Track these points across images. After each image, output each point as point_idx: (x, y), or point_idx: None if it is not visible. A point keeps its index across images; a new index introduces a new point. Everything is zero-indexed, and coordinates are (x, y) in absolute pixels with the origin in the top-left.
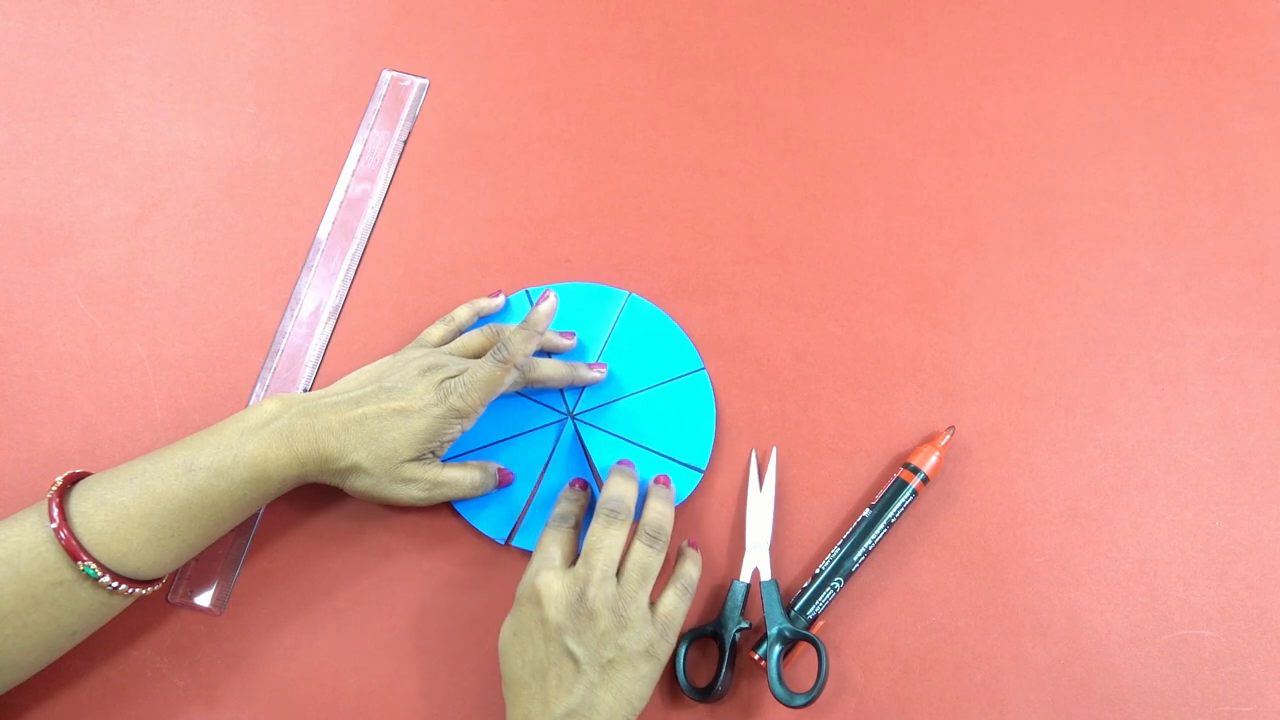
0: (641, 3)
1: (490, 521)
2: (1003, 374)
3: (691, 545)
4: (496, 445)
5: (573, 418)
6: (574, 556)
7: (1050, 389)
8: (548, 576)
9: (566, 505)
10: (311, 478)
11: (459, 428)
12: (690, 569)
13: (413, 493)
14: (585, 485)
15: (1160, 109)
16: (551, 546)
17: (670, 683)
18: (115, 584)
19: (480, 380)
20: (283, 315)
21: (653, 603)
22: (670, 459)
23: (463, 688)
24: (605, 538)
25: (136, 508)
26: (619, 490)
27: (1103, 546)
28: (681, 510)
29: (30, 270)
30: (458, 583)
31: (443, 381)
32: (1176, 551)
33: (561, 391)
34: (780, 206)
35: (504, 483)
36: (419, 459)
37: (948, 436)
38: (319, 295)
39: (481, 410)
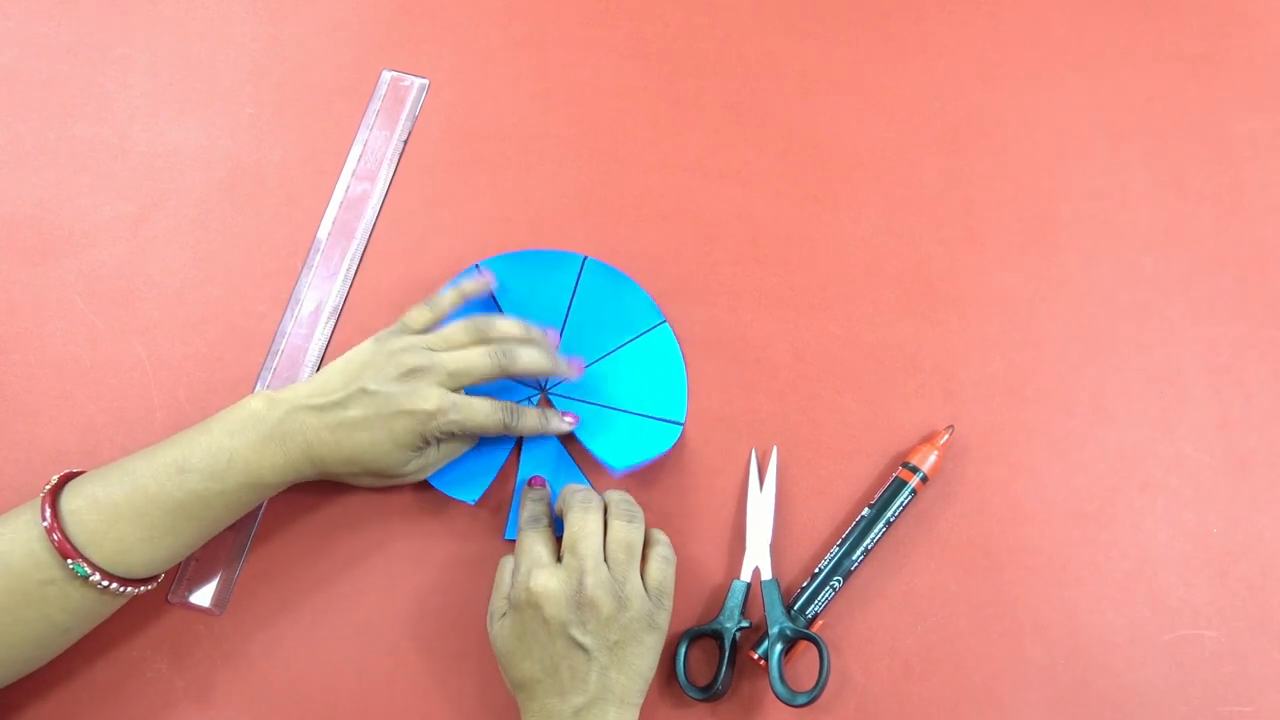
0: (641, 3)
1: (460, 485)
2: (1003, 374)
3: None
4: None
5: (544, 391)
6: (557, 551)
7: (1050, 389)
8: (542, 577)
9: (534, 506)
10: (309, 478)
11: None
12: (659, 534)
13: (412, 470)
14: (544, 483)
15: (1160, 109)
16: (536, 546)
17: (671, 682)
18: (107, 583)
19: (475, 421)
20: (283, 315)
21: (640, 576)
22: (648, 417)
23: (463, 687)
24: (586, 524)
25: (129, 507)
26: (582, 490)
27: (1103, 546)
28: (680, 509)
29: (30, 270)
30: (458, 582)
31: (428, 389)
32: (1176, 551)
33: None
34: (780, 206)
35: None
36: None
37: (946, 435)
38: (319, 295)
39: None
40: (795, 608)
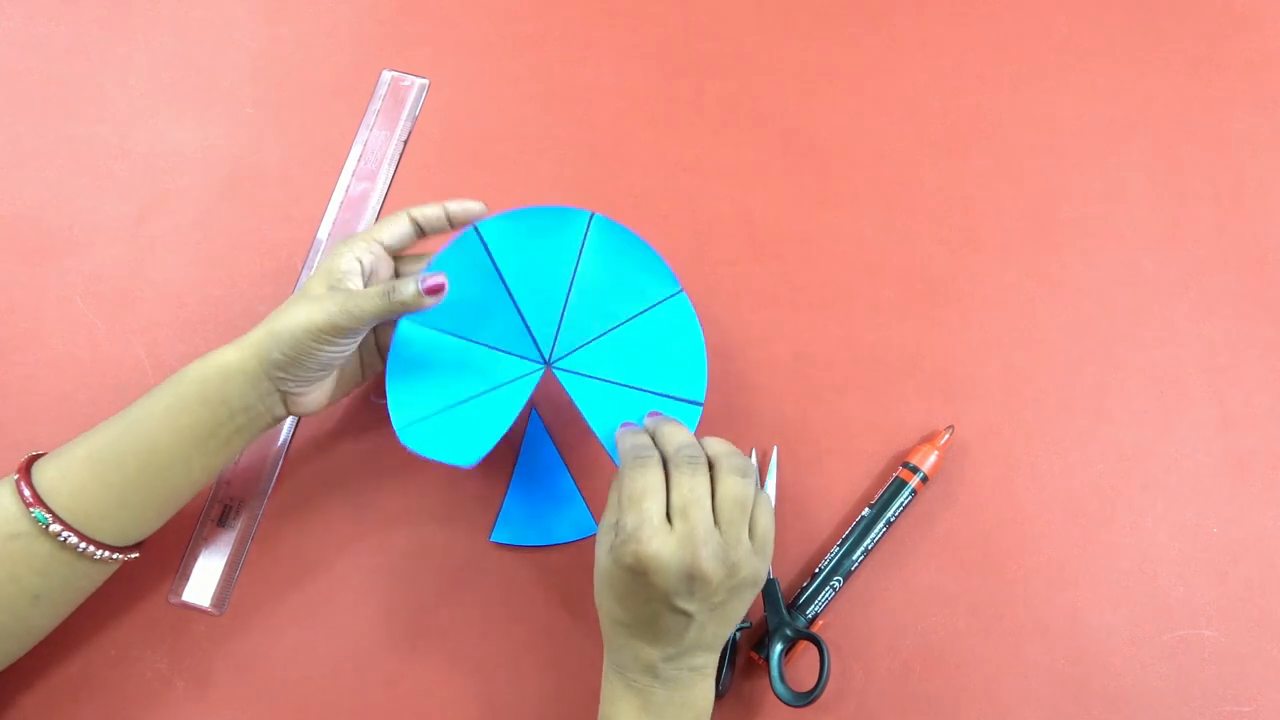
0: (641, 3)
1: (454, 449)
2: (1003, 374)
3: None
4: (467, 402)
5: (550, 365)
6: (665, 501)
7: (1050, 389)
8: (654, 545)
9: (635, 435)
10: (243, 371)
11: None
12: (767, 484)
13: (328, 308)
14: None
15: (1160, 109)
16: (646, 501)
17: None
18: (65, 533)
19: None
20: None
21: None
22: (667, 396)
23: (463, 688)
24: (696, 486)
25: (84, 450)
26: (684, 436)
27: (1103, 546)
28: None
29: (30, 270)
30: (457, 583)
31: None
32: (1176, 551)
33: (533, 336)
34: (780, 206)
35: (433, 292)
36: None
37: (946, 435)
38: None
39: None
40: (795, 608)
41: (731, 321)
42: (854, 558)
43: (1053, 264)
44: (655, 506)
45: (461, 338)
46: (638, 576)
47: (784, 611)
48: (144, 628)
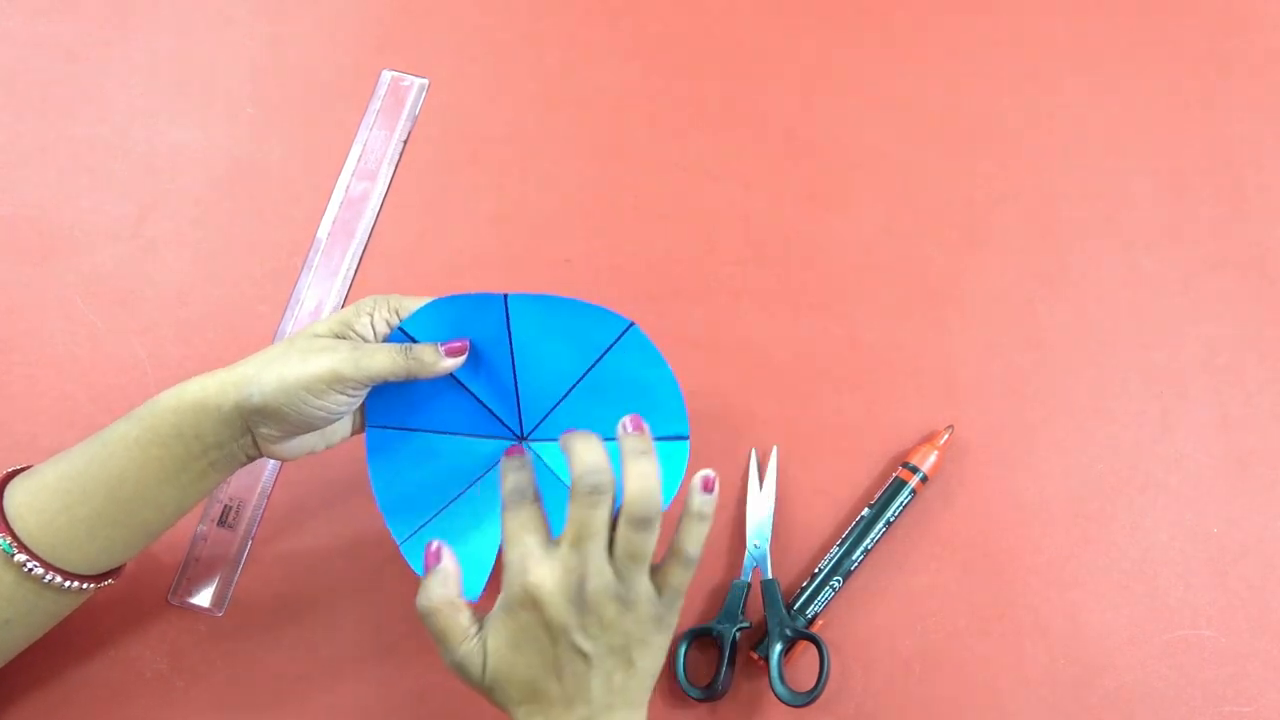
0: (641, 3)
1: (399, 519)
2: (1003, 374)
3: (706, 489)
4: (451, 504)
5: (523, 439)
6: (548, 534)
7: (1050, 389)
8: (538, 574)
9: (517, 475)
10: (217, 408)
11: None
12: (690, 543)
13: (327, 403)
14: (523, 451)
15: (1160, 109)
16: (524, 535)
17: (671, 682)
18: (30, 563)
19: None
20: (283, 315)
21: (654, 566)
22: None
23: (461, 688)
24: (592, 521)
25: (54, 474)
26: (592, 458)
27: (1103, 546)
28: (679, 509)
29: (30, 270)
30: None
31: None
32: (1176, 551)
33: (497, 417)
34: (780, 206)
35: (454, 354)
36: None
37: (946, 435)
38: (319, 295)
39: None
40: (795, 608)
41: (731, 321)
42: (854, 558)
43: (1053, 264)
44: (535, 539)
45: (430, 431)
46: (530, 612)
47: (784, 611)
48: (144, 628)
